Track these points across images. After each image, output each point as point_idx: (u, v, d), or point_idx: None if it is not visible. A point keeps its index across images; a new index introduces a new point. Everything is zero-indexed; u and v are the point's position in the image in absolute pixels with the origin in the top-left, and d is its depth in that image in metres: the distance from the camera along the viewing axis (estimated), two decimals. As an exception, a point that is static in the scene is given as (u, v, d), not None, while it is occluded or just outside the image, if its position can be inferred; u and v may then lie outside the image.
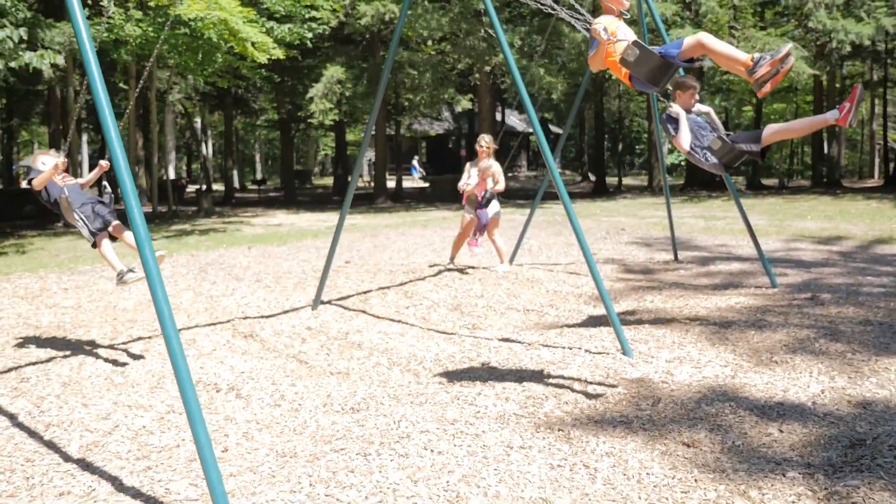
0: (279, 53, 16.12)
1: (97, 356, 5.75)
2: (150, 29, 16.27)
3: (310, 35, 20.13)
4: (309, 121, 24.83)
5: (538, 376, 5.10)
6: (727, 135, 5.17)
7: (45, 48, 16.31)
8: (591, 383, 4.91)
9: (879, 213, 16.76)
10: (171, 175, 49.66)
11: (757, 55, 4.00)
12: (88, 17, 17.02)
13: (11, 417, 4.51)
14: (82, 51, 3.23)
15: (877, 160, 40.16)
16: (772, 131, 4.93)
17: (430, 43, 21.25)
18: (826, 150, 27.12)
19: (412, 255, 11.24)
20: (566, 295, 8.20)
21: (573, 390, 4.77)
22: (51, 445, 4.07)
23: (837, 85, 34.28)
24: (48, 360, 5.64)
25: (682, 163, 32.43)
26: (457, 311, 7.45)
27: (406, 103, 25.58)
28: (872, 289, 7.83)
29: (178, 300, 8.06)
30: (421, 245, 12.66)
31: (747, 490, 3.34)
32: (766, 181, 33.42)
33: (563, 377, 5.05)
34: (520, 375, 5.13)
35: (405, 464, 3.70)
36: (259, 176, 58.78)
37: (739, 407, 4.38)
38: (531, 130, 32.23)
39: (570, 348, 5.81)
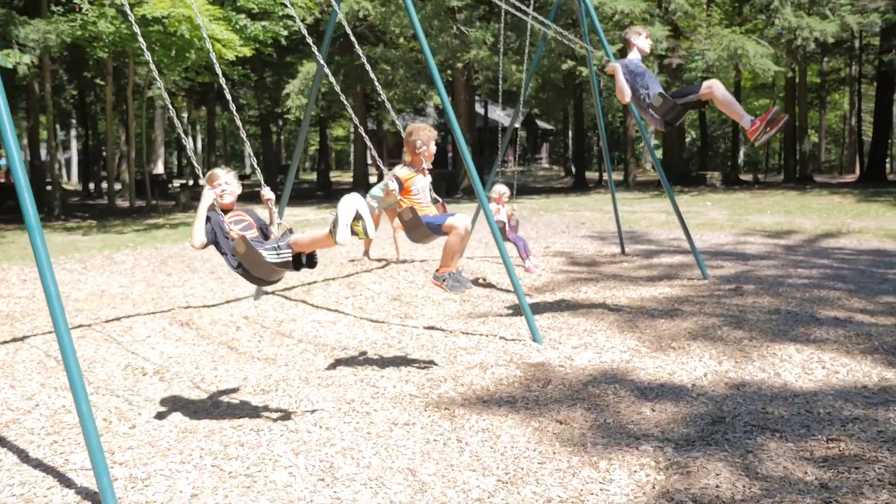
0: (246, 51, 16.39)
1: (36, 342, 6.02)
2: (123, 26, 16.47)
3: (285, 32, 20.37)
4: (286, 116, 25.09)
5: (446, 360, 5.39)
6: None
7: (21, 45, 16.57)
8: (492, 367, 5.20)
9: (839, 207, 17.10)
10: (160, 169, 50.00)
11: None
12: (63, 14, 17.27)
13: (-61, 398, 4.78)
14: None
15: (857, 155, 40.55)
16: (708, 88, 5.47)
17: (402, 40, 21.51)
18: (798, 146, 27.46)
19: (370, 249, 11.50)
20: (507, 286, 8.48)
21: (473, 374, 5.07)
22: (-29, 423, 4.35)
23: (818, 80, 34.70)
24: (-13, 346, 5.92)
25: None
26: (396, 301, 7.73)
27: (380, 99, 25.80)
28: (798, 280, 8.14)
29: (130, 290, 8.33)
30: (381, 239, 12.91)
31: (598, 461, 3.64)
32: (744, 177, 33.78)
33: (468, 362, 5.34)
34: (429, 360, 5.42)
35: (293, 438, 3.99)
36: (247, 171, 59.11)
37: (622, 388, 4.68)
38: (517, 126, 32.29)
39: (487, 335, 6.10)
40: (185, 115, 51.71)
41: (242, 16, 18.63)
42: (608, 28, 20.93)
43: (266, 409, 4.50)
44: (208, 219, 4.08)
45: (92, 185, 34.05)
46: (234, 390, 4.91)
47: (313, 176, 52.81)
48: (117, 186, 28.74)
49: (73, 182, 53.35)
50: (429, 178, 5.22)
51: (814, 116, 40.98)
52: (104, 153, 39.02)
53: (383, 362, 5.42)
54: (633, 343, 5.72)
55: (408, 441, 3.93)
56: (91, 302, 7.71)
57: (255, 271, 3.96)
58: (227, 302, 7.60)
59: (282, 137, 61.66)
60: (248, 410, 4.48)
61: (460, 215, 5.05)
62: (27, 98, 22.17)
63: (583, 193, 26.55)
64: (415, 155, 5.17)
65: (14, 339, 6.09)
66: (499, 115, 50.90)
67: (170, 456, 3.81)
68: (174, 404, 4.67)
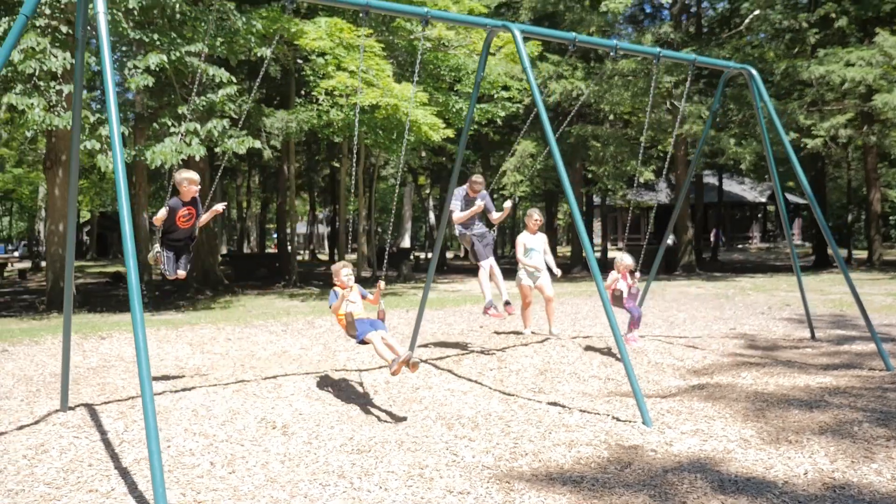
0: (450, 132, 17.45)
1: (199, 393, 6.89)
2: (352, 113, 18.31)
3: (503, 113, 21.43)
4: (501, 192, 26.08)
5: (540, 436, 5.41)
6: None
7: (267, 133, 18.97)
8: (581, 445, 5.15)
9: None
10: (407, 243, 53.58)
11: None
12: (303, 105, 19.55)
13: (104, 433, 5.68)
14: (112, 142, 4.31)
15: None
16: None
17: (611, 117, 21.64)
18: None
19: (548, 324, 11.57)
20: (665, 367, 8.23)
21: (558, 451, 5.05)
22: (113, 456, 5.14)
23: None
24: (161, 393, 6.87)
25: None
26: (541, 375, 7.80)
27: (590, 175, 25.96)
28: None
29: (307, 352, 9.16)
30: (565, 314, 12.95)
31: (625, 548, 3.54)
32: None
33: (561, 439, 5.33)
34: (523, 434, 5.47)
35: (350, 496, 4.28)
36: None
37: (703, 479, 4.44)
38: (762, 201, 31.13)
39: (602, 414, 6.01)
40: (427, 191, 55.36)
41: (458, 98, 19.93)
42: (837, 97, 19.60)
43: (349, 467, 4.83)
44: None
45: (337, 257, 37.34)
46: (338, 448, 5.31)
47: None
48: (352, 257, 31.34)
49: (327, 254, 58.79)
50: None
51: None
52: (355, 227, 42.85)
53: (482, 433, 5.56)
54: (750, 433, 5.36)
55: (452, 509, 4.06)
56: (268, 361, 8.60)
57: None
58: (380, 368, 8.12)
59: (518, 212, 63.79)
60: (332, 467, 4.84)
61: None
62: (278, 178, 25.18)
63: (818, 272, 24.51)
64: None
65: (184, 389, 7.01)
66: (737, 189, 48.64)
67: (242, 501, 4.25)
68: (285, 456, 5.14)
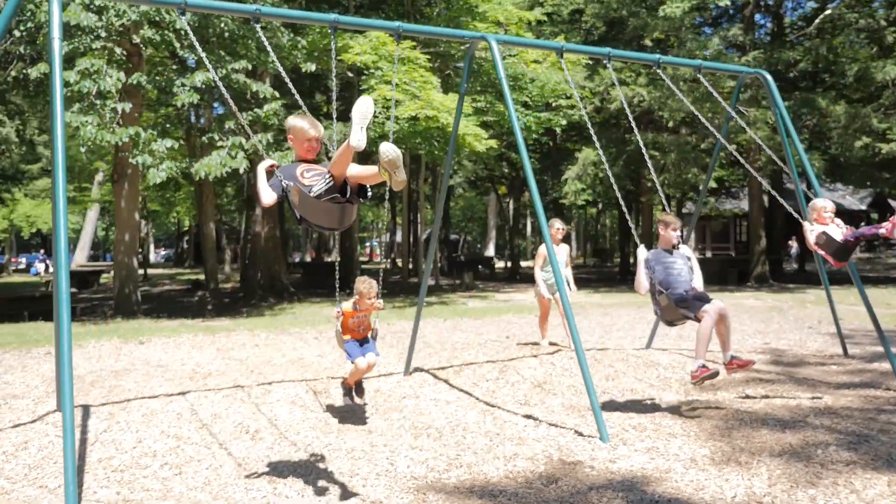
0: (493, 143, 17.44)
1: (191, 397, 7.17)
2: (406, 125, 18.55)
3: (564, 122, 21.29)
4: (560, 201, 25.82)
5: (488, 449, 5.41)
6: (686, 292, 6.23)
7: (325, 144, 19.39)
8: (519, 459, 5.12)
9: None
10: (491, 252, 53.48)
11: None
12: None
13: (85, 433, 5.99)
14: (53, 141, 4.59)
15: None
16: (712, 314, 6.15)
17: (671, 124, 21.13)
18: None
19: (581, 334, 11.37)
20: (672, 382, 8.04)
21: (495, 463, 5.05)
22: (81, 455, 5.42)
23: None
24: (155, 396, 7.19)
25: None
26: (538, 387, 7.74)
27: (649, 184, 25.32)
28: None
29: (320, 360, 9.36)
30: (601, 325, 12.76)
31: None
32: None
33: (507, 451, 5.31)
34: (473, 445, 5.48)
35: (268, 500, 4.43)
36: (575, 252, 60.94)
37: (624, 499, 4.36)
38: (862, 208, 29.64)
39: (567, 429, 5.95)
40: (508, 201, 55.31)
41: (518, 107, 19.91)
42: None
43: (290, 473, 4.96)
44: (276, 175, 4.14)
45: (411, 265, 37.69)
46: (289, 454, 5.45)
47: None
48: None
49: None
50: None
51: None
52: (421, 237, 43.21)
53: (437, 444, 5.60)
54: (705, 452, 5.20)
55: (357, 518, 4.14)
56: (279, 367, 8.85)
57: (310, 215, 4.03)
58: (379, 376, 8.24)
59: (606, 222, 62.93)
60: (275, 472, 4.99)
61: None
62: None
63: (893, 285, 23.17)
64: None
65: (180, 393, 7.32)
66: (836, 195, 46.39)
67: (166, 501, 4.45)
68: (237, 460, 5.33)
